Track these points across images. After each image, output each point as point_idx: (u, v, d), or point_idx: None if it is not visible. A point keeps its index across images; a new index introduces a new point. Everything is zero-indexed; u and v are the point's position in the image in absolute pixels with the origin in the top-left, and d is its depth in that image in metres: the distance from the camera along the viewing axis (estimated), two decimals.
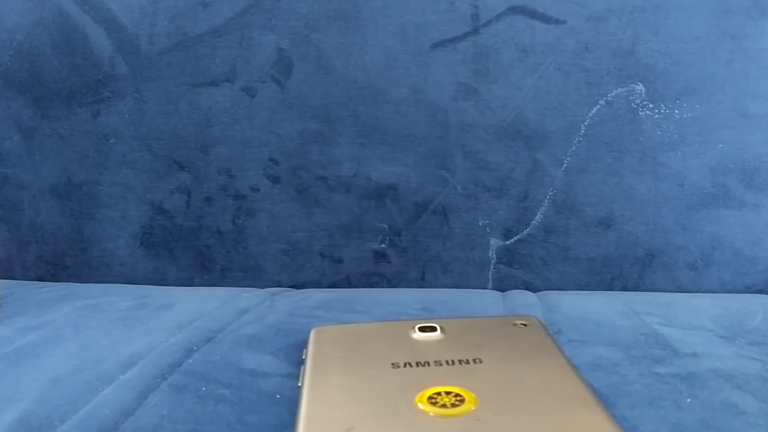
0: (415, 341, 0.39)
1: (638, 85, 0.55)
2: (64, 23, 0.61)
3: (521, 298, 0.53)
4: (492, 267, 0.59)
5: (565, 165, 0.57)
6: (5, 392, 0.36)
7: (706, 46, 0.55)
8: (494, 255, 0.59)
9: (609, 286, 0.57)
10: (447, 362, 0.36)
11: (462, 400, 0.32)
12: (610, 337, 0.42)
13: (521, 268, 0.58)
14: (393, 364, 0.36)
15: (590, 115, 0.56)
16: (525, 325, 0.41)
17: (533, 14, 0.56)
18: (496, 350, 0.37)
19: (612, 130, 0.56)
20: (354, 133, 0.58)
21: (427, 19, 0.56)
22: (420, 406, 0.31)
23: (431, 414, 0.31)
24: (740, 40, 0.54)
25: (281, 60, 0.58)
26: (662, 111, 0.55)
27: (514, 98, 0.56)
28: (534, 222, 0.58)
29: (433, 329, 0.40)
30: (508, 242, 0.58)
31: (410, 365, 0.36)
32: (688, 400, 0.35)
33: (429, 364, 0.36)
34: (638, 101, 0.55)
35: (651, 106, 0.55)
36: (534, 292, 0.56)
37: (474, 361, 0.36)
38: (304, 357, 0.37)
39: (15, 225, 0.64)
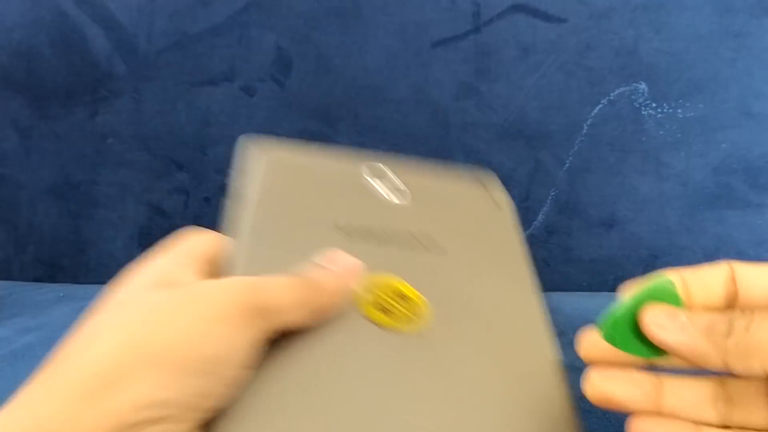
0: (371, 195, 0.35)
1: (641, 84, 0.55)
2: (62, 22, 0.60)
3: None
4: None
5: (567, 165, 0.56)
6: (3, 393, 0.36)
7: (710, 45, 0.54)
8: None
9: (612, 288, 0.57)
10: (403, 238, 0.33)
11: (412, 308, 0.30)
12: None
13: None
14: (339, 227, 0.32)
15: (592, 114, 0.56)
16: (486, 188, 0.38)
17: (535, 13, 0.55)
18: (460, 243, 0.34)
19: (614, 130, 0.55)
20: (354, 132, 0.58)
21: (428, 18, 0.56)
22: (364, 311, 0.29)
23: (376, 323, 0.29)
24: (743, 39, 0.54)
25: (281, 59, 0.58)
26: (665, 110, 0.55)
27: (515, 97, 0.56)
28: (536, 222, 0.58)
29: (396, 187, 0.36)
30: None
31: (359, 235, 0.32)
32: None
33: (385, 243, 0.32)
34: (641, 100, 0.55)
35: (654, 105, 0.55)
36: None
37: (432, 247, 0.33)
38: (244, 183, 0.34)
39: (12, 226, 0.64)
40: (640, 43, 0.55)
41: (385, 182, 0.36)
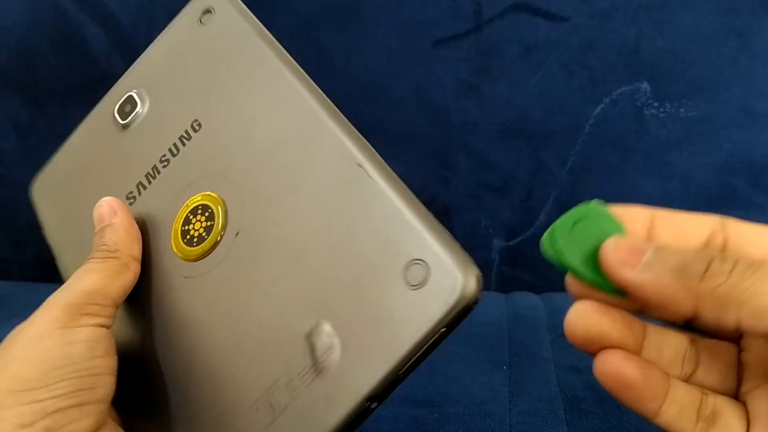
0: (126, 139, 0.33)
1: (643, 83, 0.55)
2: (61, 21, 0.60)
3: (525, 299, 0.53)
4: (495, 268, 0.58)
5: (569, 164, 0.56)
6: None
7: (712, 44, 0.54)
8: (497, 256, 0.58)
9: None
10: (170, 153, 0.31)
11: (211, 219, 0.28)
12: None
13: (525, 269, 0.58)
14: (129, 194, 0.32)
15: (595, 113, 0.55)
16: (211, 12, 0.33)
17: (536, 11, 0.55)
18: (218, 108, 0.30)
19: (617, 129, 0.55)
20: None
21: (429, 16, 0.56)
22: (174, 247, 0.29)
23: (180, 256, 0.29)
24: (746, 38, 0.54)
25: None
26: (667, 110, 0.55)
27: (517, 96, 0.56)
28: (538, 222, 0.57)
29: (134, 103, 0.33)
30: (511, 243, 0.58)
31: (143, 186, 0.31)
32: None
33: (159, 171, 0.31)
34: (643, 100, 0.55)
35: (656, 104, 0.55)
36: (538, 293, 0.55)
37: (193, 126, 0.30)
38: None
39: (11, 226, 0.63)
40: (642, 42, 0.55)
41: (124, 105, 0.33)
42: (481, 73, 0.56)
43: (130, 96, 0.33)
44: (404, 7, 0.56)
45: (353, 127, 0.28)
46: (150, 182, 0.31)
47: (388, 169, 0.26)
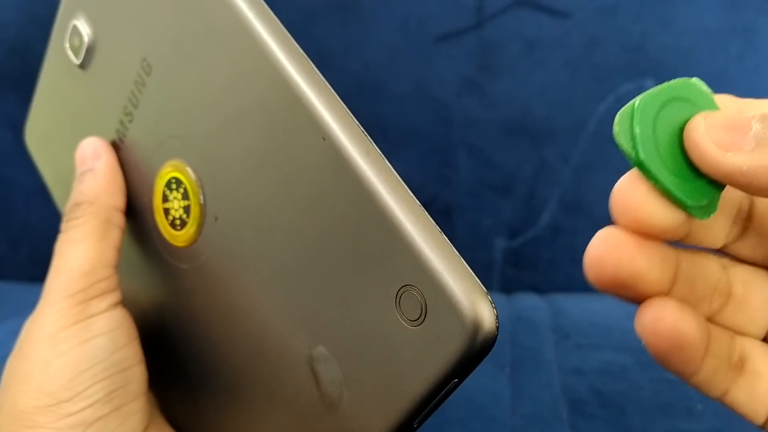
0: (88, 81, 0.29)
1: (648, 80, 0.55)
2: None
3: (528, 300, 0.52)
4: (497, 268, 0.58)
5: (573, 163, 0.56)
6: None
7: (717, 41, 0.54)
8: (499, 256, 0.58)
9: None
10: (131, 105, 0.26)
11: (186, 197, 0.24)
12: (619, 342, 0.42)
13: (528, 269, 0.58)
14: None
15: (599, 111, 0.55)
16: None
17: (540, 7, 0.55)
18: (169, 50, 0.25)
19: None
20: None
21: (430, 12, 0.56)
22: (160, 226, 0.26)
23: (168, 239, 0.25)
24: (751, 35, 0.54)
25: None
26: None
27: (520, 94, 0.56)
28: (541, 222, 0.57)
29: (80, 36, 0.28)
30: (514, 243, 0.58)
31: (120, 141, 0.27)
32: (699, 406, 0.34)
33: (126, 127, 0.27)
34: None
35: None
36: (541, 294, 0.55)
37: (144, 68, 0.25)
38: None
39: (7, 225, 0.63)
40: (647, 38, 0.54)
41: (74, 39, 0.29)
42: (483, 70, 0.56)
43: (75, 27, 0.29)
44: (405, 2, 0.56)
45: (344, 108, 0.21)
46: (122, 141, 0.27)
47: (384, 163, 0.21)
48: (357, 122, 0.21)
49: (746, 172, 0.17)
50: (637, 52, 0.54)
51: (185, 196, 0.24)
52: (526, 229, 0.57)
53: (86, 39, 0.28)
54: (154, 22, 0.25)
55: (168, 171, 0.25)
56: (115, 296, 0.25)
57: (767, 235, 0.19)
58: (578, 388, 0.40)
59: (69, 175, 0.28)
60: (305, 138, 0.20)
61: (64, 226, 0.26)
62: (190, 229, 0.25)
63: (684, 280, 0.20)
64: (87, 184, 0.26)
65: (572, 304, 0.50)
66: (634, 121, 0.18)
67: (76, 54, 0.29)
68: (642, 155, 0.18)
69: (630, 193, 0.19)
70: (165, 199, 0.25)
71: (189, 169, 0.24)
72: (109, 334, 0.24)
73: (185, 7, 0.24)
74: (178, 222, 0.25)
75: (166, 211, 0.25)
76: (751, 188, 0.17)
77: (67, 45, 0.29)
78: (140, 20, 0.26)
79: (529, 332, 0.46)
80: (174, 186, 0.25)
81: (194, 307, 0.25)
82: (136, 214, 0.27)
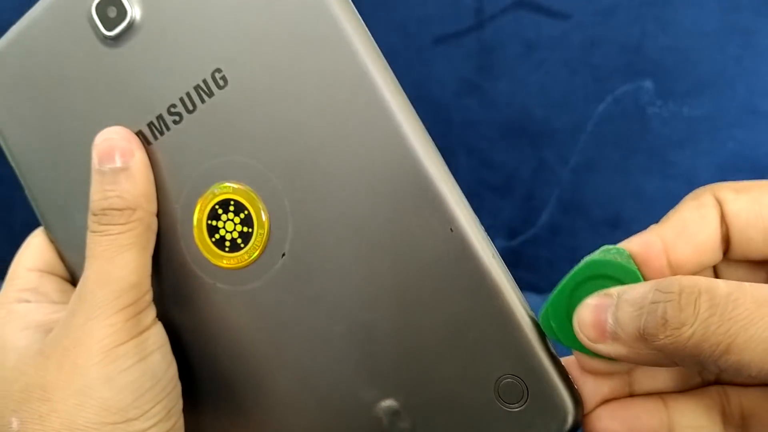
0: (113, 58, 0.25)
1: (646, 81, 0.55)
2: None
3: (527, 300, 0.52)
4: None
5: (571, 163, 0.56)
6: None
7: (716, 42, 0.54)
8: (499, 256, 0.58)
9: None
10: (183, 106, 0.24)
11: (248, 224, 0.23)
12: None
13: (527, 269, 0.58)
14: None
15: (597, 112, 0.55)
16: None
17: (538, 9, 0.55)
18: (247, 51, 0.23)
19: (619, 128, 0.55)
20: None
21: (430, 14, 0.56)
22: (197, 240, 0.24)
23: (206, 256, 0.24)
24: (750, 36, 0.54)
25: None
26: (671, 108, 0.55)
27: (519, 95, 0.56)
28: (540, 222, 0.57)
29: (122, 9, 0.24)
30: (513, 242, 0.58)
31: (146, 140, 0.24)
32: None
33: (167, 126, 0.24)
34: (646, 98, 0.55)
35: (659, 103, 0.54)
36: (540, 293, 0.55)
37: (215, 79, 0.23)
38: None
39: (8, 225, 0.63)
40: (645, 40, 0.54)
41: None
42: (482, 71, 0.56)
43: None
44: (405, 4, 0.56)
45: (443, 163, 0.24)
46: (155, 137, 0.24)
47: (485, 236, 0.24)
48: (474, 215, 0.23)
49: (615, 356, 0.20)
50: (635, 54, 0.54)
51: (247, 224, 0.23)
52: (525, 229, 0.57)
53: (129, 16, 0.24)
54: (242, 36, 0.23)
55: (226, 190, 0.24)
56: (155, 309, 0.24)
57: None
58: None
59: (53, 147, 0.26)
60: (430, 222, 0.22)
61: (98, 227, 0.23)
62: (244, 255, 0.24)
63: (678, 419, 0.22)
64: (125, 187, 0.23)
65: None
66: (550, 316, 0.22)
67: (106, 25, 0.25)
68: (563, 340, 0.22)
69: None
70: (215, 217, 0.24)
71: (259, 200, 0.23)
72: (161, 349, 0.23)
73: (295, 36, 0.23)
74: (228, 244, 0.24)
75: (213, 229, 0.24)
76: (631, 363, 0.20)
77: (94, 6, 0.25)
78: (221, 26, 0.23)
79: None
80: (232, 208, 0.24)
81: (228, 325, 0.24)
82: (161, 224, 0.25)
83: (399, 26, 0.56)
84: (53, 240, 0.27)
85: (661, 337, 0.18)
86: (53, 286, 0.25)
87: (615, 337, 0.19)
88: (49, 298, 0.25)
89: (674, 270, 0.22)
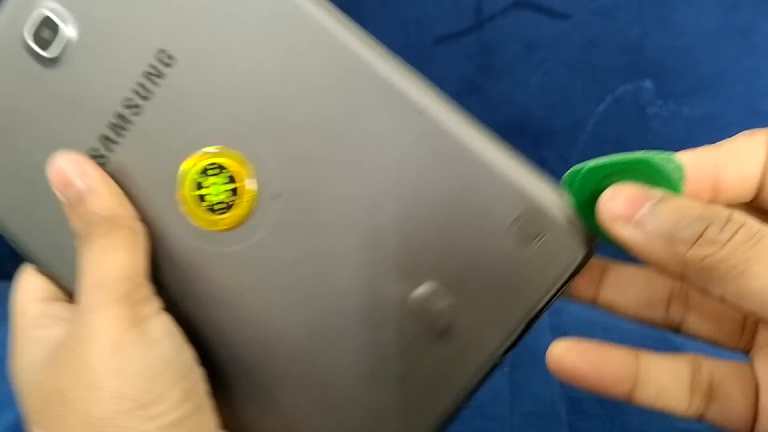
0: (58, 77, 0.25)
1: (646, 81, 0.55)
2: None
3: None
4: None
5: (571, 163, 0.56)
6: (1, 396, 0.36)
7: (716, 42, 0.54)
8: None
9: None
10: (138, 96, 0.24)
11: (232, 179, 0.24)
12: (617, 341, 0.42)
13: None
14: (93, 152, 0.25)
15: (597, 112, 0.55)
16: None
17: (538, 9, 0.55)
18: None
19: (619, 128, 0.55)
20: None
21: (429, 14, 0.56)
22: (191, 215, 0.24)
23: (202, 226, 0.24)
24: (750, 36, 0.54)
25: None
26: (671, 108, 0.55)
27: (519, 95, 0.56)
28: None
29: (53, 27, 0.25)
30: None
31: (111, 141, 0.25)
32: None
33: (129, 121, 0.24)
34: (646, 98, 0.55)
35: (659, 103, 0.54)
36: None
37: (161, 60, 0.24)
38: None
39: None
40: (645, 39, 0.54)
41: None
42: (482, 71, 0.56)
43: (46, 17, 0.25)
44: (405, 4, 0.56)
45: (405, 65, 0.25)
46: (120, 135, 0.25)
47: (456, 108, 0.25)
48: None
49: (624, 241, 0.20)
50: (635, 53, 0.54)
51: (231, 180, 0.24)
52: None
53: (66, 31, 0.25)
54: (175, 11, 0.24)
55: (201, 158, 0.24)
56: (158, 302, 0.24)
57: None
58: (577, 386, 0.40)
59: (22, 185, 0.26)
60: (400, 113, 0.24)
61: (84, 245, 0.24)
62: (237, 211, 0.24)
63: (646, 378, 0.24)
64: (95, 204, 0.24)
65: (571, 303, 0.49)
66: (575, 188, 0.23)
67: (43, 46, 0.25)
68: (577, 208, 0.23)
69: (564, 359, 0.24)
70: (198, 186, 0.24)
71: (237, 153, 0.24)
72: (169, 337, 0.23)
73: None
74: (220, 206, 0.24)
75: (201, 198, 0.24)
76: (641, 257, 0.20)
77: (28, 32, 0.25)
78: (151, 11, 0.24)
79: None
80: (213, 172, 0.24)
81: (246, 286, 0.24)
82: (147, 217, 0.25)
83: (399, 26, 0.56)
84: (50, 275, 0.27)
85: (693, 249, 0.19)
86: (62, 308, 0.26)
87: (640, 225, 0.20)
88: (63, 318, 0.25)
89: (715, 193, 0.22)
